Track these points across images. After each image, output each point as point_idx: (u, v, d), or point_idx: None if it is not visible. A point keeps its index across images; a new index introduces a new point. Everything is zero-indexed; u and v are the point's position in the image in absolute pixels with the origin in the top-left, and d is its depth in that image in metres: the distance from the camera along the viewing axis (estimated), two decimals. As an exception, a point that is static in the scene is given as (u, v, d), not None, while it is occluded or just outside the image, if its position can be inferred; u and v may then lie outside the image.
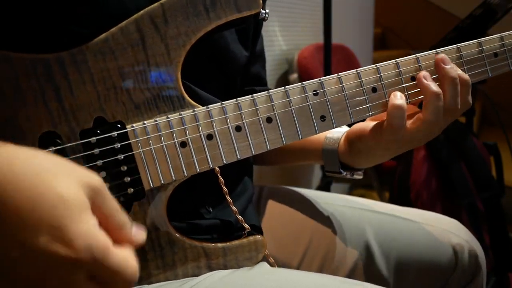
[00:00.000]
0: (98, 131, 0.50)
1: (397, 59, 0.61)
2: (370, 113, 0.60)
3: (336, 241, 0.74)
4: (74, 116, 0.49)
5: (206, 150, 0.53)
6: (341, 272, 0.73)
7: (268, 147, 0.56)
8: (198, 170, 0.53)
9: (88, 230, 0.34)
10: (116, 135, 0.50)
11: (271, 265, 0.60)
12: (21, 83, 0.47)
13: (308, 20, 2.00)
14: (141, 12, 0.51)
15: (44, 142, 0.48)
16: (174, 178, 0.52)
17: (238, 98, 0.55)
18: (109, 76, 0.50)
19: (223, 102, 0.54)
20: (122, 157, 0.50)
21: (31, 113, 0.48)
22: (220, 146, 0.54)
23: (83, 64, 0.49)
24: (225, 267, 0.56)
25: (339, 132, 0.71)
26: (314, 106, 0.57)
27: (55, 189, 0.34)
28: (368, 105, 0.60)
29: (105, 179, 0.50)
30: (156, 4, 0.52)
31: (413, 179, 1.47)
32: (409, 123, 0.60)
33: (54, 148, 0.48)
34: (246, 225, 0.59)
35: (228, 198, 0.58)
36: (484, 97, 1.52)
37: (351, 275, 0.73)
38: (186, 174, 0.53)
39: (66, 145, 0.49)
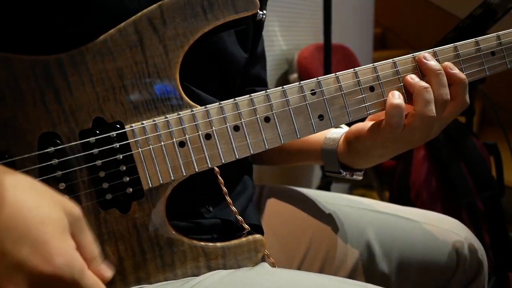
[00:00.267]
0: (97, 131, 0.50)
1: (394, 58, 0.62)
2: (368, 112, 0.60)
3: (337, 241, 0.74)
4: (74, 117, 0.50)
5: (205, 150, 0.53)
6: (342, 272, 0.73)
7: (267, 147, 0.56)
8: (197, 170, 0.54)
9: (69, 250, 0.36)
10: (115, 135, 0.51)
11: (271, 265, 0.60)
12: (21, 84, 0.48)
13: (308, 20, 2.00)
14: (139, 13, 0.52)
15: (43, 143, 0.48)
16: (173, 178, 0.53)
17: (236, 98, 0.55)
18: (108, 77, 0.51)
19: (221, 102, 0.54)
20: (121, 157, 0.51)
21: (31, 114, 0.48)
22: (218, 145, 0.54)
23: (82, 66, 0.50)
24: (224, 267, 0.56)
25: (339, 133, 0.71)
26: (312, 106, 0.58)
27: (44, 208, 0.36)
28: (366, 104, 0.60)
29: (104, 179, 0.50)
30: (154, 6, 0.52)
31: (413, 178, 1.47)
32: (404, 121, 0.60)
33: (53, 148, 0.48)
34: (246, 226, 0.59)
35: (228, 198, 0.59)
36: (483, 96, 1.52)
37: (352, 274, 0.73)
38: (185, 174, 0.53)
39: (66, 145, 0.49)
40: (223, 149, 0.54)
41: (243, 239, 0.57)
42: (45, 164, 0.48)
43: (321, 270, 0.74)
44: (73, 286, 0.35)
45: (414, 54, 0.62)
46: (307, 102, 0.57)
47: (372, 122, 0.63)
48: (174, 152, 0.52)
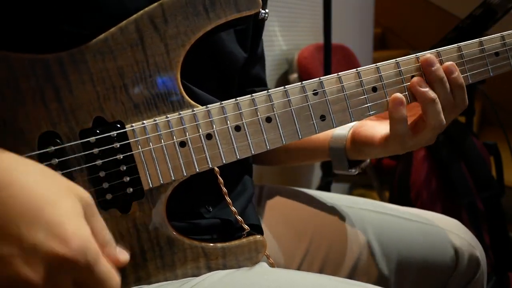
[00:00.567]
0: (98, 131, 0.50)
1: (397, 59, 0.61)
2: (370, 113, 0.60)
3: (336, 241, 0.74)
4: (74, 116, 0.49)
5: (206, 150, 0.53)
6: (342, 272, 0.73)
7: (268, 147, 0.56)
8: (198, 170, 0.53)
9: (85, 233, 0.35)
10: (115, 135, 0.50)
11: (271, 265, 0.60)
12: (21, 83, 0.47)
13: (308, 20, 2.00)
14: (141, 12, 0.51)
15: (43, 142, 0.48)
16: (173, 178, 0.52)
17: (238, 98, 0.55)
18: (108, 76, 0.50)
19: (223, 102, 0.54)
20: (121, 157, 0.50)
21: (31, 113, 0.48)
22: (219, 145, 0.54)
23: (83, 64, 0.49)
24: (224, 267, 0.56)
25: (345, 128, 0.72)
26: (314, 106, 0.57)
27: (56, 191, 0.35)
28: (368, 104, 0.60)
29: (104, 179, 0.50)
30: (155, 4, 0.52)
31: (413, 178, 1.47)
32: (414, 131, 0.62)
33: (53, 148, 0.48)
34: (246, 226, 0.59)
35: (228, 199, 0.58)
36: (483, 96, 1.52)
37: (352, 274, 0.73)
38: (185, 174, 0.53)
39: (66, 145, 0.49)
40: (224, 149, 0.54)
41: (244, 239, 0.57)
42: (45, 163, 0.48)
43: (320, 270, 0.74)
44: (86, 271, 0.35)
45: (417, 54, 0.62)
46: (309, 103, 0.57)
47: (381, 133, 0.64)
48: (174, 152, 0.52)
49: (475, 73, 0.64)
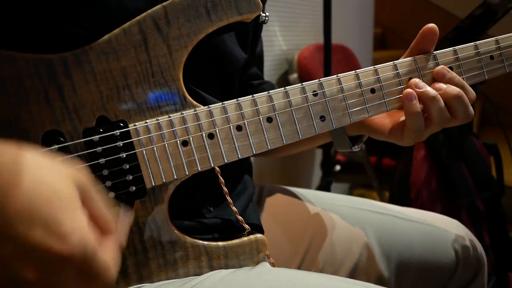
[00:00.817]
0: (101, 130, 0.50)
1: (395, 61, 0.62)
2: (369, 114, 0.61)
3: (336, 241, 0.75)
4: (77, 115, 0.50)
5: (208, 149, 0.54)
6: (342, 272, 0.73)
7: (269, 147, 0.56)
8: (200, 169, 0.54)
9: (81, 226, 0.35)
10: (118, 133, 0.51)
11: (271, 265, 0.60)
12: (25, 83, 0.48)
13: (308, 20, 2.01)
14: (144, 14, 0.52)
15: (47, 141, 0.49)
16: (175, 176, 0.53)
17: (239, 98, 0.55)
18: (112, 76, 0.51)
19: (224, 102, 0.55)
20: (124, 156, 0.51)
21: (35, 112, 0.48)
22: (221, 145, 0.54)
23: (87, 64, 0.50)
24: (226, 267, 0.56)
25: None
26: (313, 107, 0.58)
27: (49, 183, 0.34)
28: (367, 105, 0.60)
29: (107, 177, 0.50)
30: (158, 6, 0.52)
31: (413, 178, 1.48)
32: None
33: (57, 146, 0.48)
34: (246, 226, 0.59)
35: (229, 198, 0.59)
36: (484, 97, 1.52)
37: (352, 275, 0.73)
38: (187, 173, 0.53)
39: (69, 143, 0.49)
40: (225, 149, 0.54)
41: (245, 238, 0.57)
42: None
43: (320, 271, 0.74)
44: (85, 264, 0.35)
45: (415, 57, 0.63)
46: (309, 103, 0.58)
47: (391, 125, 0.65)
48: (177, 151, 0.53)
49: (471, 76, 0.65)
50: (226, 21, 0.54)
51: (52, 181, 0.35)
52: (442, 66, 0.62)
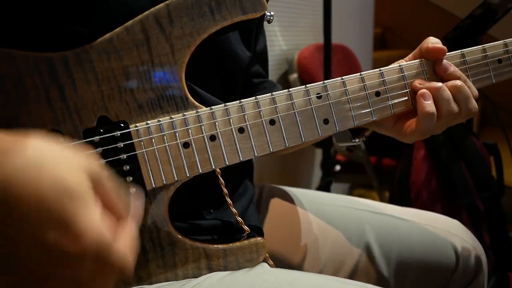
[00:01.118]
0: (101, 130, 0.50)
1: (401, 64, 0.62)
2: (374, 117, 0.60)
3: (336, 242, 0.74)
4: (78, 115, 0.49)
5: (209, 151, 0.53)
6: (342, 273, 0.73)
7: (271, 149, 0.56)
8: (201, 171, 0.53)
9: (94, 224, 0.34)
10: (119, 134, 0.50)
11: (270, 266, 0.60)
12: (25, 82, 0.47)
13: (308, 20, 2.00)
14: (146, 12, 0.51)
15: (47, 141, 0.48)
16: (176, 178, 0.53)
17: (242, 100, 0.55)
18: (113, 76, 0.50)
19: (227, 104, 0.54)
20: (125, 157, 0.50)
21: (35, 112, 0.48)
22: (222, 147, 0.54)
23: (88, 64, 0.49)
24: (225, 269, 0.56)
25: None
26: (317, 109, 0.57)
27: (59, 180, 0.34)
28: (372, 109, 0.60)
29: None
30: (161, 5, 0.52)
31: (413, 178, 1.48)
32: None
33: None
34: (246, 228, 0.59)
35: (228, 200, 0.58)
36: (484, 97, 1.52)
37: (352, 275, 0.73)
38: (188, 175, 0.53)
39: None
40: (227, 151, 0.54)
41: (245, 241, 0.57)
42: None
43: (320, 272, 0.74)
44: (102, 262, 0.34)
45: (422, 60, 0.62)
46: (312, 106, 0.57)
47: (395, 119, 0.64)
48: (178, 153, 0.52)
49: (478, 79, 0.65)
50: (230, 21, 0.54)
51: (62, 176, 0.34)
52: (445, 60, 0.62)
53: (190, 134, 0.53)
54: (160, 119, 0.52)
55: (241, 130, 0.54)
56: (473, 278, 0.74)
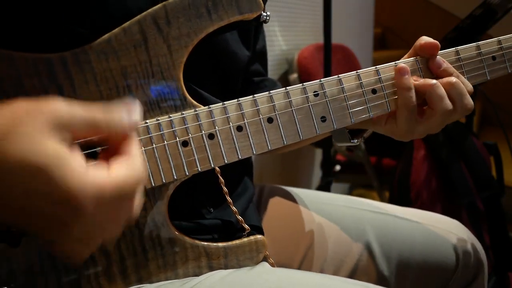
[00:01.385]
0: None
1: (396, 62, 0.62)
2: (370, 114, 0.61)
3: (336, 241, 0.74)
4: (77, 115, 0.49)
5: (208, 150, 0.54)
6: (342, 272, 0.73)
7: (269, 147, 0.56)
8: (200, 169, 0.54)
9: (82, 181, 0.33)
10: (118, 134, 0.50)
11: (271, 265, 0.60)
12: (24, 82, 0.48)
13: (308, 20, 2.01)
14: (144, 13, 0.52)
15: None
16: (175, 177, 0.53)
17: (240, 98, 0.55)
18: (111, 76, 0.51)
19: (225, 102, 0.54)
20: (124, 157, 0.51)
21: (34, 112, 0.48)
22: (221, 145, 0.54)
23: (86, 64, 0.50)
24: (225, 267, 0.56)
25: None
26: (314, 107, 0.58)
27: (28, 156, 0.32)
28: (368, 106, 0.60)
29: None
30: (158, 6, 0.52)
31: (413, 178, 1.48)
32: (422, 117, 0.62)
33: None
34: (246, 226, 0.59)
35: (228, 198, 0.59)
36: (484, 97, 1.52)
37: (352, 275, 0.73)
38: (187, 173, 0.53)
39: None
40: (226, 149, 0.54)
41: (245, 239, 0.57)
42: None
43: (321, 271, 0.74)
44: (102, 210, 0.35)
45: (416, 57, 0.63)
46: (309, 104, 0.58)
47: (388, 115, 0.64)
48: (177, 152, 0.52)
49: (473, 76, 0.65)
50: (227, 21, 0.54)
51: (25, 156, 0.32)
52: (438, 57, 0.62)
53: (189, 133, 0.53)
54: (159, 118, 0.52)
55: (239, 128, 0.55)
56: (473, 278, 0.74)
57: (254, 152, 0.56)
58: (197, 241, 0.55)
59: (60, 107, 0.35)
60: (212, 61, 0.63)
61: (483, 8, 1.26)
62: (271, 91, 0.56)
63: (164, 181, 0.52)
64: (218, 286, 0.52)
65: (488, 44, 0.66)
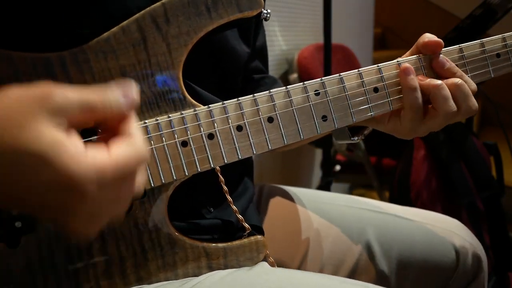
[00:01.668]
0: (100, 130, 0.50)
1: (398, 59, 0.62)
2: (372, 113, 0.60)
3: (336, 241, 0.74)
4: (76, 115, 0.49)
5: (207, 150, 0.53)
6: (342, 272, 0.73)
7: (270, 147, 0.56)
8: (199, 170, 0.53)
9: (79, 169, 0.33)
10: (117, 134, 0.50)
11: (271, 265, 0.60)
12: (23, 82, 0.47)
13: (308, 20, 2.01)
14: (143, 11, 0.51)
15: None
16: (175, 177, 0.52)
17: (240, 98, 0.55)
18: (110, 76, 0.50)
19: (224, 102, 0.54)
20: (123, 157, 0.50)
21: (33, 112, 0.48)
22: (221, 145, 0.54)
23: (85, 63, 0.49)
24: (225, 267, 0.56)
25: None
26: (315, 106, 0.57)
27: (25, 149, 0.32)
28: (370, 105, 0.60)
29: None
30: (157, 4, 0.52)
31: (413, 178, 1.47)
32: (426, 117, 0.61)
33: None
34: (246, 225, 0.59)
35: (228, 197, 0.58)
36: (484, 97, 1.52)
37: (352, 275, 0.73)
38: (187, 174, 0.53)
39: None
40: (225, 149, 0.54)
41: (245, 239, 0.57)
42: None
43: (320, 271, 0.74)
44: (105, 191, 0.35)
45: (419, 55, 0.62)
46: (310, 103, 0.57)
47: (390, 112, 0.63)
48: (176, 152, 0.52)
49: (477, 74, 0.65)
50: (227, 19, 0.54)
51: (27, 139, 0.32)
52: (442, 56, 0.62)
53: (188, 133, 0.52)
54: (158, 118, 0.52)
55: (239, 128, 0.54)
56: (474, 278, 0.74)
57: (255, 152, 0.55)
58: (196, 242, 0.55)
59: (53, 91, 0.34)
60: (211, 59, 0.63)
61: (483, 8, 1.26)
62: (271, 90, 0.56)
63: (163, 181, 0.52)
64: (218, 286, 0.52)
65: (492, 41, 0.66)
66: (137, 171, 0.37)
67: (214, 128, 0.53)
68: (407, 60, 0.62)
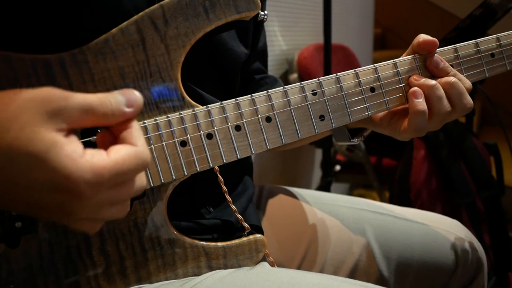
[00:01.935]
0: (99, 130, 0.50)
1: (395, 60, 0.62)
2: (369, 113, 0.61)
3: (336, 242, 0.74)
4: (75, 116, 0.49)
5: (206, 149, 0.54)
6: (342, 272, 0.73)
7: (268, 147, 0.56)
8: (198, 169, 0.54)
9: (77, 170, 0.34)
10: (116, 134, 0.50)
11: (271, 264, 0.60)
12: (22, 83, 0.47)
13: (308, 20, 2.01)
14: (141, 13, 0.52)
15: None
16: (174, 177, 0.53)
17: (238, 98, 0.55)
18: (109, 76, 0.51)
19: (223, 102, 0.54)
20: (123, 157, 0.51)
21: (32, 113, 0.48)
22: (220, 145, 0.54)
23: (84, 65, 0.50)
24: (225, 267, 0.56)
25: None
26: (313, 106, 0.58)
27: (22, 151, 0.33)
28: (367, 104, 0.60)
29: None
30: (156, 5, 0.52)
31: (413, 179, 1.47)
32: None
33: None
34: (246, 225, 0.59)
35: (228, 197, 0.59)
36: (484, 97, 1.52)
37: (351, 275, 0.73)
38: (186, 173, 0.53)
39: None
40: (224, 149, 0.54)
41: (244, 239, 0.57)
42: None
43: (320, 271, 0.74)
44: (105, 193, 0.36)
45: (415, 55, 0.63)
46: (308, 103, 0.57)
47: (390, 117, 0.64)
48: (175, 152, 0.52)
49: (472, 74, 0.65)
50: (225, 20, 0.54)
51: (27, 140, 0.33)
52: (436, 55, 0.62)
53: (187, 133, 0.53)
54: (157, 118, 0.52)
55: (237, 127, 0.55)
56: (473, 278, 0.74)
57: (253, 152, 0.55)
58: (196, 241, 0.55)
59: (53, 94, 0.35)
60: (210, 60, 0.63)
61: (483, 8, 1.26)
62: (269, 90, 0.56)
63: (162, 181, 0.52)
64: (218, 286, 0.52)
65: (487, 41, 0.66)
66: (137, 174, 0.38)
67: (213, 128, 0.54)
68: (402, 59, 0.62)
